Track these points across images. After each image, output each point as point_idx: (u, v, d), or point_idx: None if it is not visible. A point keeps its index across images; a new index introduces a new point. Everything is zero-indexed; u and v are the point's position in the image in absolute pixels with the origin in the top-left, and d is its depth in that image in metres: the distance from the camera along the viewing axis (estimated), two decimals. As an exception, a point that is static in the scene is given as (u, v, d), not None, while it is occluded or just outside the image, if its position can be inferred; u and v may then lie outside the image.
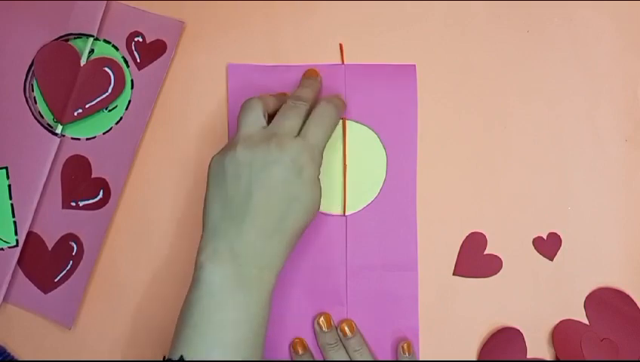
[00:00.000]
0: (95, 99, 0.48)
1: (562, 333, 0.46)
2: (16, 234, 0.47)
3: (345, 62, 0.48)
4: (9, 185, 0.47)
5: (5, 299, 0.47)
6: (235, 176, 0.39)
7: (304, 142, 0.40)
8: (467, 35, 0.49)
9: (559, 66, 0.48)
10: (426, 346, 0.46)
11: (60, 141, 0.47)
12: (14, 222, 0.47)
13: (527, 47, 0.48)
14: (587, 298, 0.46)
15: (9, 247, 0.47)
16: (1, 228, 0.47)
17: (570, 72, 0.48)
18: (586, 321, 0.46)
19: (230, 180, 0.39)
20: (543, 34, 0.49)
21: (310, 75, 0.47)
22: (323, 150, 0.42)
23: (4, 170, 0.47)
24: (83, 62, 0.48)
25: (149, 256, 0.48)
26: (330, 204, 0.47)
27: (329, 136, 0.43)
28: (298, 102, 0.43)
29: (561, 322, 0.46)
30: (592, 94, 0.48)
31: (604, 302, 0.46)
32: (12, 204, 0.47)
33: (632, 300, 0.46)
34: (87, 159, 0.48)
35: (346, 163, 0.47)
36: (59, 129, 0.47)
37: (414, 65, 0.48)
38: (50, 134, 0.47)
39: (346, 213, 0.47)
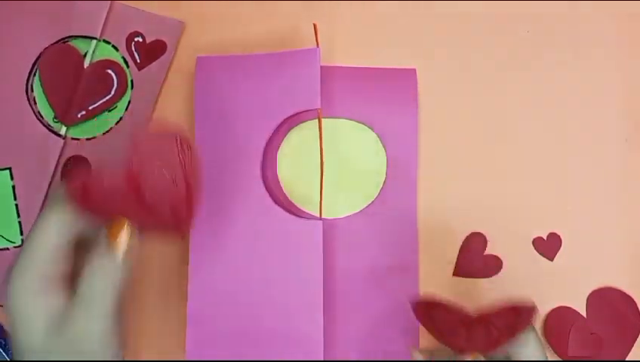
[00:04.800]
0: (98, 101, 0.48)
1: (556, 317, 0.46)
2: (21, 234, 0.47)
3: (319, 46, 0.44)
4: (13, 186, 0.47)
5: (11, 298, 0.47)
6: None
7: None
8: (466, 34, 0.49)
9: (559, 66, 0.48)
10: (426, 346, 0.46)
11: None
12: (19, 223, 0.47)
13: (527, 47, 0.48)
14: (590, 295, 0.46)
15: (14, 247, 0.47)
16: (6, 228, 0.47)
17: (570, 72, 0.48)
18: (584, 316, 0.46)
19: None
20: (543, 34, 0.48)
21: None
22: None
23: (7, 171, 0.48)
24: (86, 64, 0.48)
25: (148, 255, 0.48)
26: (313, 206, 0.46)
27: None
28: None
29: (559, 307, 0.46)
30: (592, 94, 0.48)
31: (606, 300, 0.46)
32: (16, 205, 0.47)
33: (634, 302, 0.46)
34: (86, 159, 0.48)
35: (323, 162, 0.45)
36: (63, 130, 0.48)
37: (414, 70, 0.47)
38: (53, 135, 0.48)
39: (322, 216, 0.45)
